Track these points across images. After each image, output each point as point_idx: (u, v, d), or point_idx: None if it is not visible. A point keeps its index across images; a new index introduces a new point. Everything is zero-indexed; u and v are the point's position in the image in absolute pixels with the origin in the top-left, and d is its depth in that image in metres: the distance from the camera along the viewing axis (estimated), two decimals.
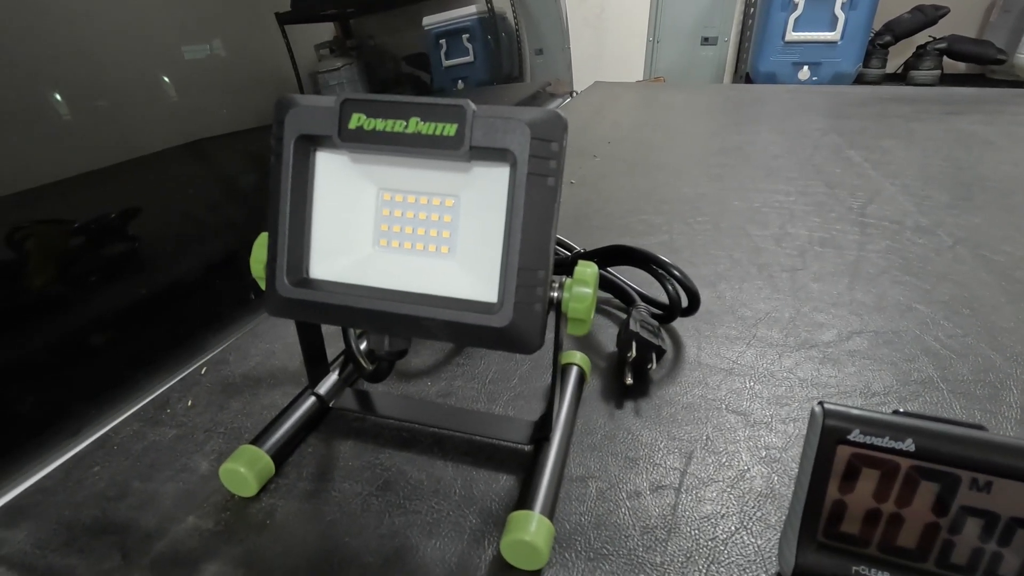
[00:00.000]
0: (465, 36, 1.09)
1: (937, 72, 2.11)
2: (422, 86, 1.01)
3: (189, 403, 0.32)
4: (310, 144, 0.24)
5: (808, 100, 1.17)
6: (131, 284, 0.42)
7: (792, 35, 1.92)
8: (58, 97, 0.39)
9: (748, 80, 2.16)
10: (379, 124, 0.22)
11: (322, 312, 0.24)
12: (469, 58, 1.10)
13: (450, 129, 0.22)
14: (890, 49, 2.14)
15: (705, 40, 2.35)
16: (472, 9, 1.12)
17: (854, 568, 0.21)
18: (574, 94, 1.53)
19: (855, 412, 0.20)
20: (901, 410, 0.20)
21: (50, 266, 0.38)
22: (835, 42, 1.90)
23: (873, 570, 0.20)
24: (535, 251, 0.22)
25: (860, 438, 0.20)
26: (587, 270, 0.24)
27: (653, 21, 2.34)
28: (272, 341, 0.38)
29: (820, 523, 0.21)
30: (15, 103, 0.37)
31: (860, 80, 2.06)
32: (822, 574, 0.21)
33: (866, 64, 2.08)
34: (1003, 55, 1.99)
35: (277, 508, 0.26)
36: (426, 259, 0.24)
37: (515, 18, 1.29)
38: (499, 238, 0.23)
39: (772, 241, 0.52)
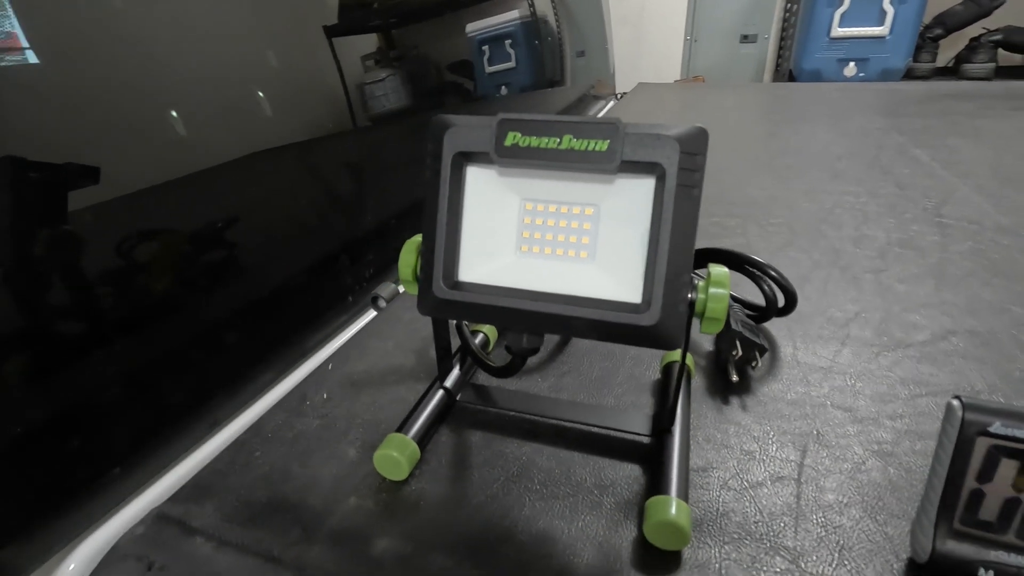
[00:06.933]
0: (508, 42, 1.11)
1: (992, 65, 2.04)
2: (465, 93, 1.02)
3: (325, 396, 0.35)
4: (463, 160, 0.26)
5: (861, 98, 1.15)
6: (243, 289, 0.45)
7: (838, 31, 1.88)
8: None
9: (791, 78, 2.13)
10: (533, 141, 0.25)
11: (474, 312, 0.26)
12: (511, 64, 1.12)
13: (602, 145, 0.24)
14: (940, 42, 2.08)
15: (744, 38, 2.32)
16: (515, 14, 1.13)
17: (993, 554, 0.22)
18: (618, 96, 1.54)
19: (995, 405, 0.21)
20: None
21: (171, 272, 0.41)
22: (884, 37, 1.86)
23: (1012, 555, 0.22)
24: (681, 256, 0.24)
25: (1001, 430, 0.21)
26: (721, 271, 0.25)
27: (690, 19, 2.33)
28: (385, 339, 0.41)
29: (957, 511, 0.22)
30: (133, 115, 0.39)
31: (909, 75, 2.01)
32: (959, 559, 0.22)
33: (915, 58, 2.02)
34: None
35: (426, 491, 0.28)
36: (565, 263, 0.26)
37: (557, 20, 1.30)
38: (640, 243, 0.25)
39: (850, 243, 0.53)
